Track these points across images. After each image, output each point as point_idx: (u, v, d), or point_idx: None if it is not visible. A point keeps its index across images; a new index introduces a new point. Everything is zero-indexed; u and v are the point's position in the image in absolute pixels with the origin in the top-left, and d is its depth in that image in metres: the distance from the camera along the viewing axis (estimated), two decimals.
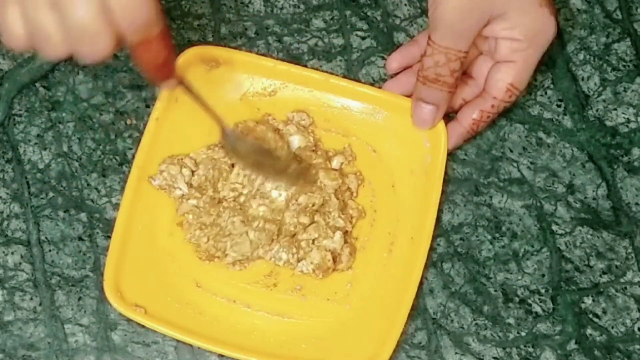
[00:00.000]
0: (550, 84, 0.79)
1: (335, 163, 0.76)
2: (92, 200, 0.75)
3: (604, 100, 0.78)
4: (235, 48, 0.78)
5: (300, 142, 0.76)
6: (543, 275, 0.75)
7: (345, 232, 0.74)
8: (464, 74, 0.74)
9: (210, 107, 0.70)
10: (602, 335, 0.74)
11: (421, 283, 0.74)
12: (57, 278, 0.73)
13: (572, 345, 0.74)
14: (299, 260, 0.73)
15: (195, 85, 0.75)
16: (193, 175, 0.75)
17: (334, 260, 0.73)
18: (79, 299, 0.73)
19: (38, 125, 0.76)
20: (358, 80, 0.78)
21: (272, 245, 0.73)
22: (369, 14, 0.80)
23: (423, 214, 0.73)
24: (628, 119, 0.78)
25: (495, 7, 0.70)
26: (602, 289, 0.75)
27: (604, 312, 0.74)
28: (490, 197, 0.76)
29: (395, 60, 0.77)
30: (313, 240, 0.73)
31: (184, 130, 0.75)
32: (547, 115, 0.78)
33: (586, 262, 0.75)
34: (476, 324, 0.74)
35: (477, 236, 0.76)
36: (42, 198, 0.75)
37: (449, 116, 0.75)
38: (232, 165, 0.75)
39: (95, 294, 0.73)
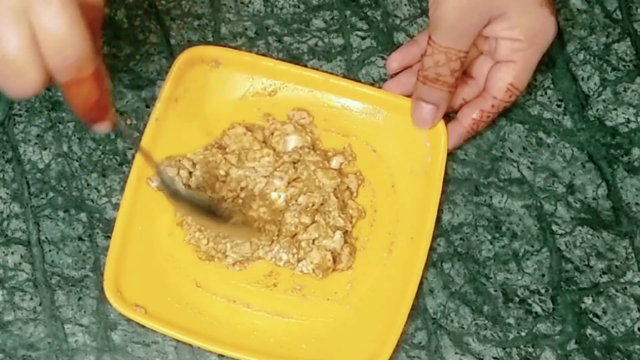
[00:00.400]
0: (550, 84, 0.79)
1: (334, 163, 0.76)
2: (92, 200, 0.75)
3: (604, 100, 0.78)
4: (235, 48, 0.78)
5: (297, 142, 0.75)
6: (543, 275, 0.75)
7: (345, 232, 0.74)
8: (464, 74, 0.74)
9: (146, 152, 0.68)
10: (602, 335, 0.74)
11: (421, 283, 0.74)
12: (57, 278, 0.73)
13: (572, 345, 0.74)
14: (299, 261, 0.73)
15: (195, 85, 0.75)
16: (191, 176, 0.74)
17: (334, 260, 0.73)
18: (79, 299, 0.73)
19: (38, 125, 0.76)
20: (358, 80, 0.78)
21: (272, 245, 0.73)
22: (369, 14, 0.80)
23: (423, 214, 0.73)
24: (628, 119, 0.78)
25: (496, 7, 0.70)
26: (602, 289, 0.75)
27: (604, 312, 0.74)
28: (490, 197, 0.76)
29: (395, 60, 0.77)
30: (313, 240, 0.73)
31: (184, 130, 0.75)
32: (547, 115, 0.78)
33: (586, 262, 0.75)
34: (476, 324, 0.74)
35: (477, 236, 0.76)
36: (42, 198, 0.75)
37: (449, 116, 0.75)
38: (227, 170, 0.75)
39: (95, 294, 0.73)
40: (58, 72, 0.55)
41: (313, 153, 0.75)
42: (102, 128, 0.60)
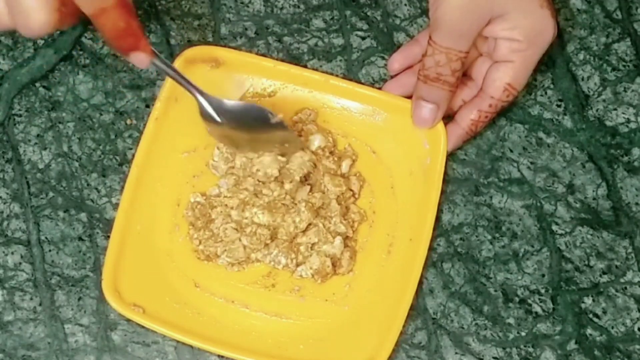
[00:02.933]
0: (550, 84, 0.78)
1: (344, 166, 0.75)
2: (92, 200, 0.75)
3: (604, 100, 0.78)
4: (235, 48, 0.78)
5: (321, 142, 0.75)
6: (543, 275, 0.75)
7: (346, 237, 0.74)
8: (464, 76, 0.74)
9: (187, 80, 0.69)
10: (602, 335, 0.74)
11: (421, 283, 0.74)
12: (57, 278, 0.74)
13: (572, 345, 0.74)
14: (298, 265, 0.73)
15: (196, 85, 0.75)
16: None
17: (334, 265, 0.73)
18: (79, 299, 0.73)
19: (38, 125, 0.76)
20: (358, 81, 0.78)
21: (271, 249, 0.73)
22: (369, 14, 0.80)
23: (422, 216, 0.73)
24: (628, 119, 0.78)
25: (496, 8, 0.70)
26: (602, 289, 0.75)
27: (604, 312, 0.74)
28: (490, 197, 0.76)
29: (396, 61, 0.77)
30: (312, 245, 0.73)
31: (184, 130, 0.75)
32: (547, 115, 0.78)
33: (586, 262, 0.75)
34: (476, 324, 0.74)
35: (477, 236, 0.76)
36: (42, 198, 0.75)
37: (448, 118, 0.75)
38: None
39: (95, 294, 0.73)
40: (82, 4, 0.57)
41: (331, 159, 0.75)
42: (140, 59, 0.63)
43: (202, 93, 0.70)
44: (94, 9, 0.57)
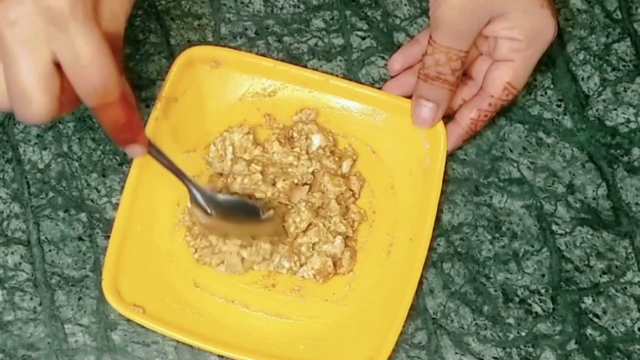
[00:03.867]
0: (550, 84, 0.78)
1: (344, 167, 0.75)
2: (92, 200, 0.75)
3: (604, 100, 0.78)
4: (235, 48, 0.78)
5: (321, 142, 0.75)
6: (543, 275, 0.75)
7: (347, 237, 0.74)
8: (464, 75, 0.74)
9: (181, 172, 0.68)
10: (602, 335, 0.74)
11: (421, 283, 0.74)
12: (57, 278, 0.74)
13: (572, 345, 0.74)
14: (300, 266, 0.73)
15: (196, 85, 0.75)
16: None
17: (335, 265, 0.73)
18: (79, 299, 0.73)
19: (38, 125, 0.76)
20: (358, 81, 0.78)
21: (273, 257, 0.73)
22: (369, 14, 0.80)
23: (422, 216, 0.73)
24: (628, 119, 0.78)
25: (496, 7, 0.70)
26: (602, 289, 0.75)
27: (604, 312, 0.74)
28: (490, 197, 0.76)
29: (397, 62, 0.77)
30: (313, 245, 0.73)
31: (184, 130, 0.75)
32: (547, 115, 0.78)
33: (586, 262, 0.75)
34: (476, 324, 0.74)
35: (477, 236, 0.76)
36: (42, 198, 0.75)
37: (448, 117, 0.75)
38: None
39: (95, 294, 0.73)
40: (85, 98, 0.56)
41: (331, 158, 0.75)
42: (136, 151, 0.62)
43: (195, 185, 0.69)
44: (96, 102, 0.57)
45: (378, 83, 0.78)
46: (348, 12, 0.80)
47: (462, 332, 0.74)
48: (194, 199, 0.70)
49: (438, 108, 0.73)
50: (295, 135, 0.75)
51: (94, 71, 0.55)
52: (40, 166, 0.76)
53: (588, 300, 0.75)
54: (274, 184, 0.73)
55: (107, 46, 0.55)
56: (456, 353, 0.73)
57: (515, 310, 0.74)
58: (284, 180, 0.73)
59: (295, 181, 0.74)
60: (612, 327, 0.74)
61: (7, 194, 0.75)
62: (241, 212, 0.71)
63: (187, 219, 0.74)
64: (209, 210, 0.70)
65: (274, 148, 0.74)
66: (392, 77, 0.77)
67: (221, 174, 0.75)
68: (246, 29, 0.79)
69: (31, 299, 0.73)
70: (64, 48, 0.54)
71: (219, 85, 0.76)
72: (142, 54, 0.78)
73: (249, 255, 0.73)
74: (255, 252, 0.73)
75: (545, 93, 0.78)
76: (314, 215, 0.73)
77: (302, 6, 0.80)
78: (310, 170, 0.74)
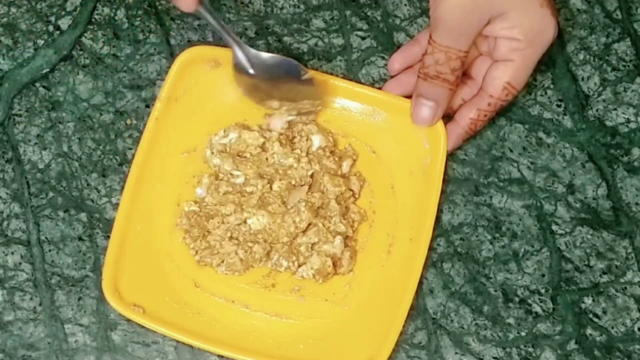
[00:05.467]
0: (550, 84, 0.79)
1: (345, 166, 0.75)
2: (92, 200, 0.75)
3: (604, 100, 0.78)
4: None
5: (321, 142, 0.75)
6: (543, 275, 0.75)
7: (347, 237, 0.74)
8: (464, 75, 0.74)
9: (228, 30, 0.71)
10: (602, 335, 0.74)
11: (421, 283, 0.74)
12: (57, 278, 0.74)
13: (572, 345, 0.74)
14: (299, 266, 0.73)
15: (196, 85, 0.75)
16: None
17: (334, 265, 0.73)
18: (79, 299, 0.73)
19: (38, 125, 0.76)
20: (358, 81, 0.78)
21: (271, 254, 0.73)
22: (369, 14, 0.80)
23: (422, 216, 0.73)
24: (628, 119, 0.78)
25: (496, 7, 0.70)
26: (602, 289, 0.75)
27: (604, 312, 0.74)
28: (490, 197, 0.76)
29: (397, 61, 0.77)
30: (312, 245, 0.73)
31: (184, 130, 0.75)
32: (547, 115, 0.78)
33: (586, 262, 0.75)
34: (476, 324, 0.74)
35: (477, 236, 0.76)
36: (42, 198, 0.75)
37: (448, 117, 0.75)
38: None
39: (95, 294, 0.73)
40: None
41: (331, 158, 0.75)
42: (187, 3, 0.66)
43: (239, 43, 0.72)
44: None
45: (378, 83, 0.78)
46: (348, 12, 0.80)
47: (462, 332, 0.74)
48: (237, 60, 0.72)
49: (437, 107, 0.73)
50: (295, 136, 0.75)
51: None
52: (40, 166, 0.76)
53: (588, 300, 0.75)
54: (269, 184, 0.74)
55: None
56: (456, 353, 0.73)
57: (515, 310, 0.74)
58: (280, 180, 0.74)
59: (293, 182, 0.74)
60: (612, 327, 0.74)
61: (7, 194, 0.75)
62: (282, 70, 0.72)
63: (185, 223, 0.74)
64: (250, 70, 0.73)
65: (274, 149, 0.74)
66: (392, 77, 0.77)
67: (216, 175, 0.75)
68: (246, 29, 0.79)
69: (31, 299, 0.73)
70: None
71: (219, 85, 0.76)
72: (142, 54, 0.78)
73: (245, 256, 0.73)
74: (252, 256, 0.73)
75: (545, 93, 0.78)
76: (313, 215, 0.73)
77: (302, 6, 0.80)
78: (310, 173, 0.74)
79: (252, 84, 0.74)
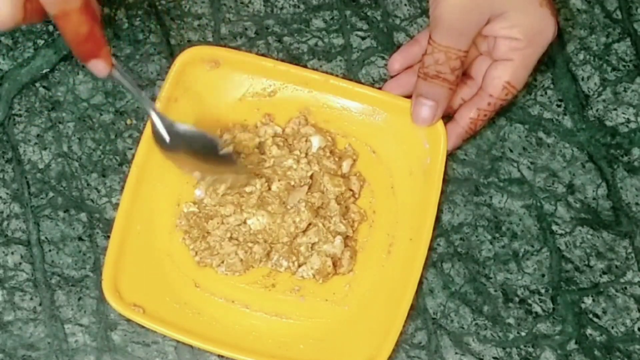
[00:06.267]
0: (550, 84, 0.78)
1: (345, 166, 0.75)
2: (92, 200, 0.75)
3: (604, 100, 0.78)
4: (235, 48, 0.78)
5: (321, 142, 0.75)
6: (543, 275, 0.75)
7: (347, 237, 0.74)
8: (464, 75, 0.74)
9: (143, 95, 0.68)
10: (602, 335, 0.74)
11: (421, 283, 0.74)
12: (57, 278, 0.74)
13: (572, 345, 0.74)
14: (299, 266, 0.73)
15: (196, 85, 0.75)
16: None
17: (334, 265, 0.73)
18: (79, 299, 0.73)
19: (38, 125, 0.76)
20: (358, 81, 0.78)
21: (271, 254, 0.73)
22: (369, 14, 0.80)
23: (422, 216, 0.73)
24: (628, 119, 0.78)
25: (496, 6, 0.70)
26: (602, 289, 0.75)
27: (604, 312, 0.74)
28: (490, 197, 0.76)
29: (397, 61, 0.77)
30: (312, 245, 0.73)
31: None
32: (547, 115, 0.78)
33: (586, 262, 0.75)
34: (476, 324, 0.74)
35: (477, 236, 0.76)
36: (42, 198, 0.75)
37: (448, 118, 0.75)
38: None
39: (95, 294, 0.73)
40: (46, 4, 0.57)
41: (331, 158, 0.75)
42: (99, 67, 0.63)
43: (156, 111, 0.69)
44: (57, 10, 0.57)
45: (378, 83, 0.78)
46: (348, 12, 0.80)
47: (462, 332, 0.74)
48: (153, 126, 0.69)
49: (437, 107, 0.73)
50: (295, 137, 0.76)
51: None
52: (40, 166, 0.76)
53: (588, 300, 0.75)
54: (268, 183, 0.74)
55: None
56: (456, 353, 0.73)
57: (515, 310, 0.74)
58: (279, 181, 0.74)
59: (292, 183, 0.74)
60: (612, 327, 0.74)
61: (7, 194, 0.75)
62: (199, 144, 0.70)
63: (184, 224, 0.74)
64: (167, 139, 0.69)
65: (272, 152, 0.74)
66: (391, 77, 0.77)
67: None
68: (246, 29, 0.79)
69: (31, 299, 0.73)
70: None
71: (219, 85, 0.76)
72: (142, 54, 0.78)
73: (245, 257, 0.73)
74: (251, 257, 0.73)
75: (545, 93, 0.78)
76: (313, 215, 0.73)
77: (302, 6, 0.80)
78: (309, 174, 0.74)
79: (171, 152, 0.71)
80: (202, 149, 0.70)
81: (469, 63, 0.75)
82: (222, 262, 0.73)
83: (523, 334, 0.74)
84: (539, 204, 0.76)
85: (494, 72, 0.72)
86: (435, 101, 0.72)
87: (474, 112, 0.73)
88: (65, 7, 0.57)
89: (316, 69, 0.78)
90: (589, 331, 0.74)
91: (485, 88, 0.73)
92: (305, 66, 0.78)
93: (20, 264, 0.74)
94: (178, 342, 0.72)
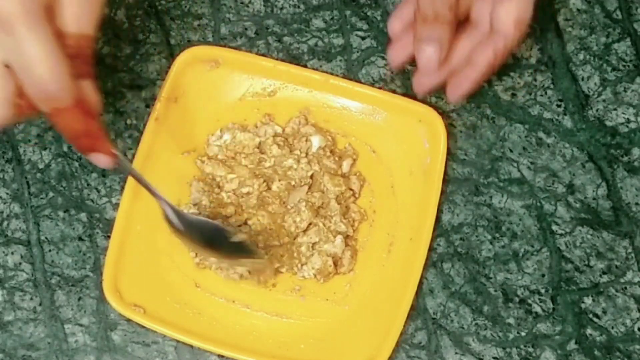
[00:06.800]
0: (550, 84, 0.78)
1: (345, 166, 0.75)
2: (92, 200, 0.75)
3: (604, 100, 0.78)
4: (235, 48, 0.78)
5: (321, 142, 0.75)
6: (543, 275, 0.75)
7: (347, 237, 0.74)
8: (465, 21, 0.73)
9: (150, 187, 0.68)
10: (602, 335, 0.74)
11: (421, 283, 0.74)
12: (57, 278, 0.74)
13: (572, 345, 0.74)
14: (300, 266, 0.73)
15: (196, 85, 0.75)
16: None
17: (335, 265, 0.73)
18: (79, 299, 0.73)
19: (38, 125, 0.76)
20: (358, 81, 0.78)
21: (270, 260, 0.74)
22: (369, 14, 0.80)
23: (422, 215, 0.73)
24: (628, 119, 0.78)
25: None
26: (602, 289, 0.75)
27: (604, 312, 0.74)
28: (490, 197, 0.76)
29: (396, 22, 0.74)
30: (313, 245, 0.73)
31: (184, 130, 0.75)
32: (547, 115, 0.78)
33: (586, 262, 0.75)
34: (476, 324, 0.74)
35: (477, 236, 0.76)
36: (42, 198, 0.75)
37: (447, 115, 0.75)
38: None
39: (95, 294, 0.73)
40: (37, 102, 0.56)
41: (331, 158, 0.75)
42: (100, 160, 0.62)
43: (165, 201, 0.69)
44: (49, 108, 0.57)
45: (378, 83, 0.78)
46: (348, 12, 0.80)
47: (462, 332, 0.74)
48: (165, 214, 0.69)
49: (440, 49, 0.70)
50: (295, 137, 0.76)
51: (44, 76, 0.54)
52: (40, 166, 0.76)
53: (588, 300, 0.75)
54: (266, 183, 0.74)
55: (58, 50, 0.55)
56: (456, 353, 0.73)
57: (515, 310, 0.74)
58: (279, 180, 0.74)
59: (293, 183, 0.74)
60: (612, 327, 0.74)
61: (7, 194, 0.75)
62: (209, 232, 0.70)
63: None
64: (179, 227, 0.70)
65: (272, 152, 0.74)
66: (391, 44, 0.74)
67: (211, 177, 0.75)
68: (246, 29, 0.79)
69: (31, 299, 0.73)
70: (12, 52, 0.54)
71: (219, 85, 0.76)
72: (142, 54, 0.78)
73: (246, 273, 0.73)
74: (255, 269, 0.73)
75: (545, 93, 0.78)
76: (314, 214, 0.73)
77: (302, 6, 0.80)
78: (309, 174, 0.74)
79: (185, 238, 0.71)
80: (213, 237, 0.70)
81: (467, 7, 0.73)
82: (220, 268, 0.73)
83: (523, 334, 0.74)
84: (539, 204, 0.76)
85: (500, 12, 0.70)
86: (438, 42, 0.70)
87: (492, 55, 0.71)
88: (56, 105, 0.56)
89: (316, 69, 0.78)
90: (589, 331, 0.74)
91: (497, 30, 0.70)
92: (305, 66, 0.78)
93: (20, 264, 0.74)
94: (178, 342, 0.72)
